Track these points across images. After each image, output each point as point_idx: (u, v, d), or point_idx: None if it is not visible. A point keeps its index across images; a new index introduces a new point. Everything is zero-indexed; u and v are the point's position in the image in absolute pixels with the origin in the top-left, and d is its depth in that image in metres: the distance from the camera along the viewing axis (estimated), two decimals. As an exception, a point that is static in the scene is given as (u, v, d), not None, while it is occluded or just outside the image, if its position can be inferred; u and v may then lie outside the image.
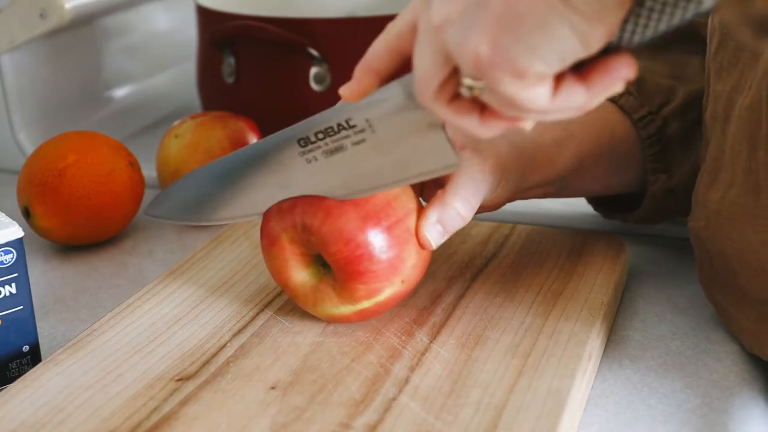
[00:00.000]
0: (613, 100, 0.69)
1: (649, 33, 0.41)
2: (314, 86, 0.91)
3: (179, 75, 1.13)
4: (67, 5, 0.88)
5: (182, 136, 0.82)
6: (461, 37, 0.42)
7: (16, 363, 0.59)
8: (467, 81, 0.45)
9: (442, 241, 0.58)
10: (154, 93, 1.10)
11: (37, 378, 0.55)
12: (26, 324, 0.59)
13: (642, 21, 0.40)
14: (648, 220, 0.72)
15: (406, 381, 0.54)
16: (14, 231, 0.57)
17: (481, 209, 0.61)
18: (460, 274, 0.67)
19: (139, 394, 0.53)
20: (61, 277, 0.75)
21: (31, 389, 0.54)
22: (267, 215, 0.58)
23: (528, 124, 0.46)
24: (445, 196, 0.57)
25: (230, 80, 0.94)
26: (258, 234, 0.73)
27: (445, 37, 0.43)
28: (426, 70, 0.46)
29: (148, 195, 0.86)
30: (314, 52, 0.89)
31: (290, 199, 0.57)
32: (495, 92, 0.43)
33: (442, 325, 0.60)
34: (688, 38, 0.71)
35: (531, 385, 0.53)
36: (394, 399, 0.52)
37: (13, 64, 0.90)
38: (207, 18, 0.96)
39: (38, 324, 0.62)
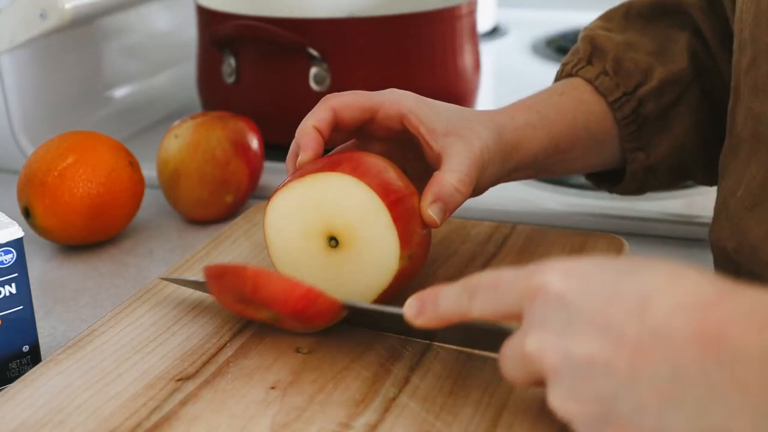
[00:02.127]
0: (588, 80, 0.70)
1: None
2: (314, 86, 0.91)
3: (179, 75, 1.13)
4: (67, 5, 0.88)
5: (182, 136, 0.82)
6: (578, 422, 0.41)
7: (16, 363, 0.59)
8: None
9: (444, 217, 0.59)
10: (154, 93, 1.10)
11: (37, 378, 0.55)
12: (26, 324, 0.59)
13: None
14: (634, 193, 0.74)
15: (406, 381, 0.54)
16: (14, 231, 0.57)
17: (473, 193, 0.63)
18: (460, 274, 0.66)
19: (139, 394, 0.53)
20: (61, 277, 0.75)
21: (31, 389, 0.54)
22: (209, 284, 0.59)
23: None
24: (440, 174, 0.59)
25: (230, 80, 0.94)
26: (258, 234, 0.73)
27: (557, 403, 0.42)
28: (513, 375, 0.45)
29: (148, 195, 0.86)
30: (314, 52, 0.89)
31: (215, 266, 0.57)
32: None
33: (443, 325, 0.60)
34: (677, 13, 0.71)
35: (531, 385, 0.53)
36: (394, 399, 0.52)
37: (13, 64, 0.90)
38: (207, 18, 0.96)
39: (38, 324, 0.62)
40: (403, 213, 0.58)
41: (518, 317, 0.45)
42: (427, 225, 0.59)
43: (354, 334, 0.59)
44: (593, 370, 0.40)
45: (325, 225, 0.58)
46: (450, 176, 0.59)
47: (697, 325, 0.37)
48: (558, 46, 1.39)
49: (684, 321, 0.38)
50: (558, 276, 0.43)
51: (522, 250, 0.70)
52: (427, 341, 0.57)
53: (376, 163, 0.60)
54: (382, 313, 0.56)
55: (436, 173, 0.60)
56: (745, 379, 0.36)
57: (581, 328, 0.40)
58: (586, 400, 0.40)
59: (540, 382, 0.44)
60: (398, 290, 0.60)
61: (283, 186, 0.59)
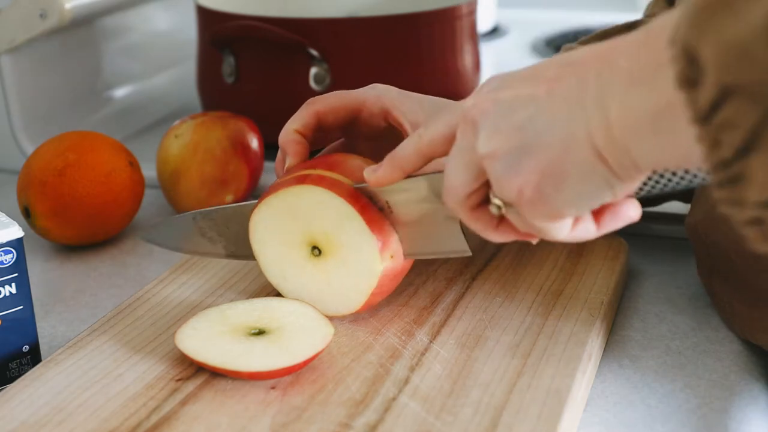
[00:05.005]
0: None
1: (655, 191, 0.50)
2: (314, 86, 0.91)
3: (179, 75, 1.13)
4: (67, 5, 0.88)
5: (182, 136, 0.82)
6: (505, 173, 0.47)
7: (16, 363, 0.59)
8: (497, 201, 0.50)
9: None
10: (154, 93, 1.10)
11: (37, 378, 0.55)
12: (26, 324, 0.59)
13: (653, 183, 0.49)
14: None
15: (406, 381, 0.54)
16: (14, 231, 0.57)
17: None
18: (460, 274, 0.67)
19: (139, 394, 0.53)
20: (61, 277, 0.75)
21: (31, 389, 0.54)
22: None
23: (535, 241, 0.52)
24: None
25: (230, 80, 0.94)
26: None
27: (489, 167, 0.48)
28: (457, 181, 0.50)
29: (148, 195, 0.86)
30: (314, 52, 0.89)
31: None
32: (524, 219, 0.49)
33: (442, 324, 0.60)
34: None
35: (531, 385, 0.53)
36: (394, 399, 0.52)
37: (13, 64, 0.90)
38: (207, 18, 0.96)
39: (38, 324, 0.62)
40: (377, 215, 0.58)
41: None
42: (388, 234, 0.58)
43: (354, 334, 0.59)
44: (517, 103, 0.46)
45: (305, 236, 0.59)
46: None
47: (598, 48, 0.44)
48: (558, 46, 1.39)
49: (591, 49, 0.45)
50: (477, 95, 0.49)
51: (522, 250, 0.70)
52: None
53: (352, 163, 0.60)
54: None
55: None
56: (626, 67, 0.42)
57: (510, 82, 0.48)
58: (509, 132, 0.46)
59: (479, 179, 0.49)
60: (390, 290, 0.60)
61: (261, 200, 0.60)
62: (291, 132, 0.62)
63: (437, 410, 0.51)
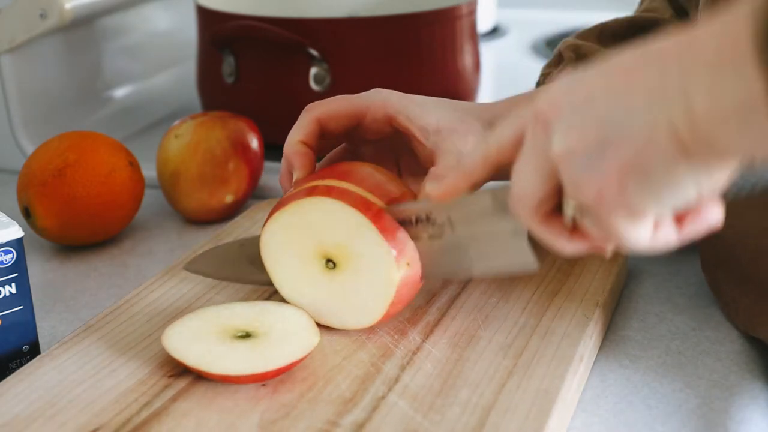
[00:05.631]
0: None
1: (745, 191, 0.47)
2: (314, 86, 0.91)
3: (179, 75, 1.13)
4: (67, 5, 0.88)
5: (182, 136, 0.82)
6: (584, 174, 0.44)
7: (16, 363, 0.59)
8: (571, 208, 0.47)
9: (445, 190, 0.55)
10: (154, 93, 1.10)
11: (32, 372, 0.55)
12: (26, 324, 0.59)
13: (742, 182, 0.46)
14: None
15: (397, 380, 0.54)
16: (14, 231, 0.57)
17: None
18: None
19: (132, 389, 0.53)
20: (61, 277, 0.75)
21: (26, 383, 0.54)
22: None
23: (610, 250, 0.48)
24: (434, 171, 0.59)
25: (230, 80, 0.94)
26: (256, 232, 0.73)
27: (565, 167, 0.45)
28: (528, 187, 0.47)
29: (148, 195, 0.86)
30: (314, 52, 0.89)
31: None
32: (601, 224, 0.45)
33: (436, 324, 0.60)
34: (651, 32, 0.72)
35: (520, 385, 0.53)
36: (383, 397, 0.52)
37: (13, 64, 0.90)
38: (207, 18, 0.96)
39: (38, 324, 0.62)
40: (390, 222, 0.56)
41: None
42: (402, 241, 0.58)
43: (348, 332, 0.59)
44: (593, 97, 0.43)
45: (318, 249, 0.58)
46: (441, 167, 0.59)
47: (676, 38, 0.41)
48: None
49: (669, 39, 0.42)
50: (551, 94, 0.46)
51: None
52: None
53: (362, 171, 0.59)
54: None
55: (431, 169, 0.59)
56: (706, 56, 0.40)
57: (582, 82, 0.44)
58: (586, 127, 0.43)
59: (551, 181, 0.46)
60: (409, 299, 0.59)
61: (271, 216, 0.59)
62: (295, 144, 0.61)
63: (426, 409, 0.51)
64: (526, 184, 0.47)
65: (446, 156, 0.60)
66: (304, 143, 0.61)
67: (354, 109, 0.62)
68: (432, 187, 0.53)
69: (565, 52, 0.73)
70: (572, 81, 0.45)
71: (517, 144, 0.48)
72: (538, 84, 0.74)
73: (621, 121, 0.42)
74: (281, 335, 0.56)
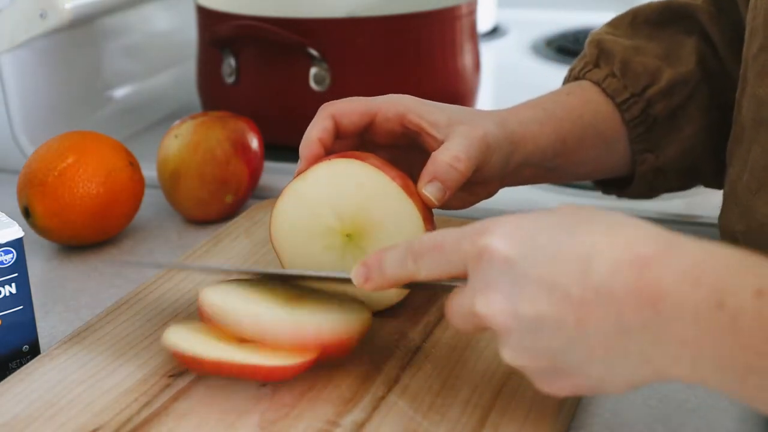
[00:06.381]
0: (596, 82, 0.70)
1: None
2: (314, 86, 0.91)
3: (179, 75, 1.13)
4: (67, 5, 0.88)
5: (182, 136, 0.82)
6: (535, 381, 0.46)
7: (16, 363, 0.59)
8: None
9: (442, 196, 0.58)
10: (154, 93, 1.10)
11: (32, 372, 0.55)
12: (26, 324, 0.59)
13: None
14: (643, 196, 0.74)
15: (396, 380, 0.54)
16: (14, 231, 0.57)
17: (480, 190, 0.64)
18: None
19: (132, 389, 0.53)
20: (61, 277, 0.75)
21: (26, 383, 0.54)
22: None
23: None
24: (435, 153, 0.59)
25: (230, 80, 0.94)
26: (258, 232, 0.73)
27: (509, 357, 0.45)
28: (462, 328, 0.48)
29: (148, 195, 0.86)
30: (314, 52, 0.89)
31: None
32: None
33: (436, 324, 0.60)
34: (685, 18, 0.71)
35: (520, 386, 0.53)
36: (383, 397, 0.52)
37: (13, 64, 0.90)
38: (207, 18, 0.96)
39: (38, 324, 0.62)
40: (412, 184, 0.56)
41: (464, 276, 0.47)
42: (427, 207, 0.58)
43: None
44: (543, 327, 0.43)
45: (336, 221, 0.57)
46: (444, 154, 0.59)
47: (635, 282, 0.40)
48: (558, 46, 1.39)
49: (624, 278, 0.41)
50: (501, 238, 0.45)
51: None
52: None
53: (370, 156, 0.59)
54: (332, 279, 0.55)
55: (433, 153, 0.60)
56: (682, 333, 0.40)
57: (528, 289, 0.43)
58: (537, 354, 0.44)
59: (484, 329, 0.46)
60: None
61: (284, 190, 0.58)
62: (313, 141, 0.60)
63: (425, 409, 0.51)
64: (461, 325, 0.48)
65: (456, 139, 0.60)
66: (320, 139, 0.60)
67: (367, 108, 0.62)
68: (359, 280, 0.52)
69: (588, 47, 0.73)
70: (511, 267, 0.44)
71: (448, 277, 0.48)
72: (564, 83, 0.73)
73: (578, 362, 0.43)
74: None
